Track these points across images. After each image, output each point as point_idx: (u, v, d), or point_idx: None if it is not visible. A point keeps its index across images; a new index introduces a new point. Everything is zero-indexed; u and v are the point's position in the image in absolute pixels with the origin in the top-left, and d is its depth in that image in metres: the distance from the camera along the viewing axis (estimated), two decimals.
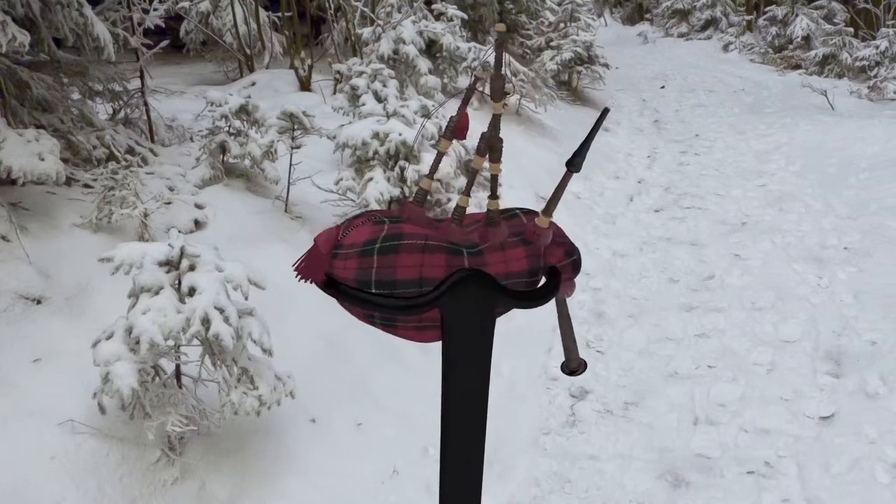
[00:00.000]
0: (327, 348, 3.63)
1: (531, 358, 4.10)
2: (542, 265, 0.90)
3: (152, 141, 5.12)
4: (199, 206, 4.27)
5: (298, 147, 4.66)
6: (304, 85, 8.11)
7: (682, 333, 4.39)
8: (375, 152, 4.62)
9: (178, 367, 2.81)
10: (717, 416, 3.58)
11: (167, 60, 8.86)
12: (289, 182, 4.64)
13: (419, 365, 3.67)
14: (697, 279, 5.14)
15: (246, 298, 2.72)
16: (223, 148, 4.64)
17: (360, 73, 5.21)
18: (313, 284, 0.88)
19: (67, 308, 3.27)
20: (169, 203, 4.11)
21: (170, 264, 2.67)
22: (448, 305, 0.86)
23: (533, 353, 4.15)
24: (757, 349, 4.14)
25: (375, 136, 4.63)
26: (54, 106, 4.14)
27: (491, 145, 0.87)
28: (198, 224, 4.18)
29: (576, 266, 0.94)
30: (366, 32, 7.00)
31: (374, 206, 4.36)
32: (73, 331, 3.10)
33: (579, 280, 0.98)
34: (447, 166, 4.67)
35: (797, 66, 14.11)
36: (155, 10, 5.21)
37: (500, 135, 0.87)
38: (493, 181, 0.90)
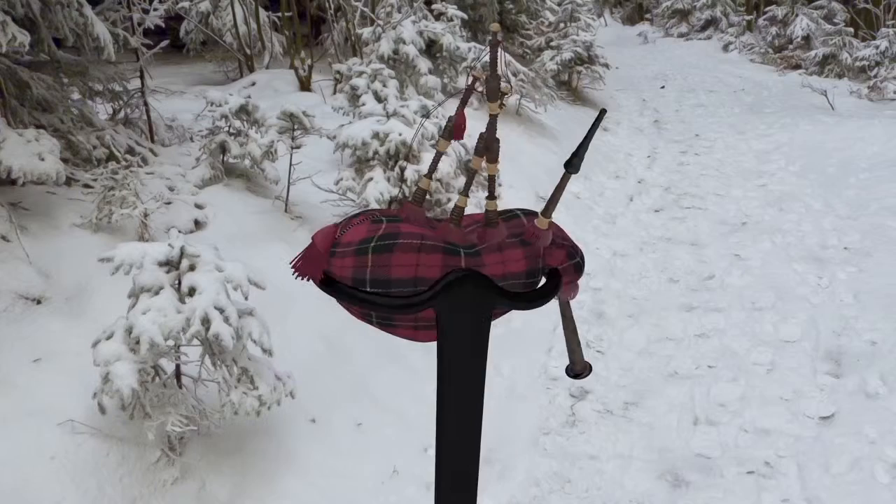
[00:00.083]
0: (327, 348, 3.63)
1: (531, 358, 4.10)
2: (540, 267, 0.90)
3: (152, 141, 5.12)
4: (199, 206, 4.27)
5: (298, 147, 4.66)
6: (304, 85, 8.11)
7: (682, 333, 4.39)
8: (375, 152, 4.62)
9: (178, 367, 2.81)
10: (717, 416, 3.58)
11: (167, 60, 8.86)
12: (289, 182, 4.64)
13: (419, 365, 3.67)
14: (697, 279, 5.14)
15: (246, 298, 2.72)
16: (223, 148, 4.64)
17: (360, 73, 5.21)
18: (311, 283, 0.88)
19: (67, 308, 3.27)
20: (169, 203, 4.12)
21: (170, 264, 2.67)
22: (443, 305, 0.86)
23: (533, 353, 4.15)
24: (757, 349, 4.14)
25: (375, 136, 4.63)
26: (54, 106, 4.14)
27: (487, 146, 0.87)
28: (198, 224, 4.18)
29: (578, 268, 0.94)
30: (366, 32, 7.00)
31: (374, 206, 4.36)
32: (73, 331, 3.10)
33: (579, 280, 0.97)
34: (447, 166, 4.67)
35: (797, 66, 14.11)
36: (155, 10, 5.21)
37: (500, 135, 0.87)
38: (491, 182, 0.90)
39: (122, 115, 4.99)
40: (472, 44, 7.94)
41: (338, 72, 7.36)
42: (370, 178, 4.58)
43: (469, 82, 0.87)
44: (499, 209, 0.92)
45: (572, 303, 1.02)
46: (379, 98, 5.01)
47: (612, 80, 12.23)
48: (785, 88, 12.38)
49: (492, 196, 0.89)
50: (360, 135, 4.63)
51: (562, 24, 11.10)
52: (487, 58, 0.84)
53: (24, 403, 2.76)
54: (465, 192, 0.90)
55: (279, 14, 9.73)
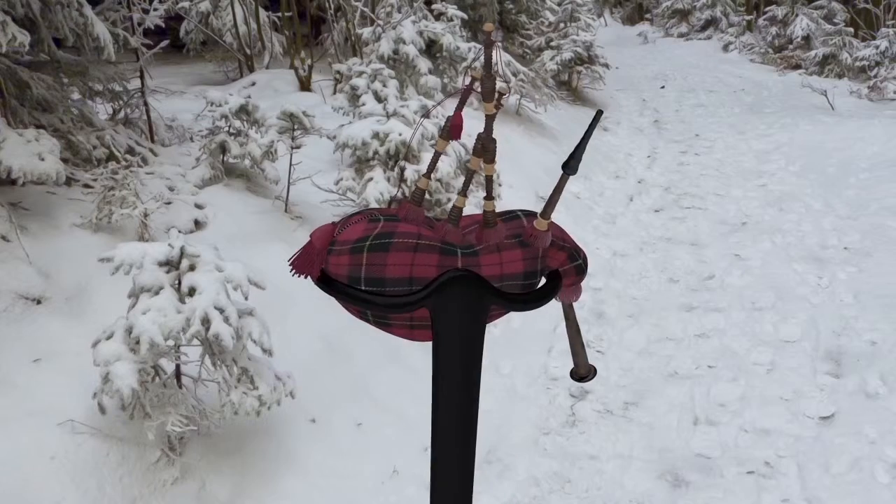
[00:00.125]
0: (327, 348, 3.63)
1: (531, 358, 4.11)
2: (539, 268, 0.89)
3: (152, 141, 5.12)
4: (199, 206, 4.27)
5: (298, 147, 4.66)
6: (304, 85, 8.11)
7: (682, 333, 4.39)
8: (375, 152, 4.62)
9: (178, 367, 2.81)
10: (717, 416, 3.58)
11: (167, 60, 8.86)
12: (289, 182, 4.64)
13: (419, 365, 3.67)
14: (697, 279, 5.14)
15: (246, 298, 2.72)
16: (223, 148, 4.64)
17: (360, 73, 5.21)
18: (310, 283, 0.89)
19: (67, 308, 3.27)
20: (169, 203, 4.12)
21: (170, 264, 2.67)
22: (437, 305, 0.86)
23: (533, 353, 4.15)
24: (757, 349, 4.14)
25: (375, 136, 4.63)
26: (54, 106, 4.14)
27: (484, 146, 0.87)
28: (198, 224, 4.18)
29: (580, 271, 0.93)
30: (366, 32, 7.00)
31: (374, 206, 4.36)
32: (73, 331, 3.10)
33: (582, 283, 0.97)
34: (447, 166, 4.67)
35: (797, 66, 14.11)
36: (155, 10, 5.21)
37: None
38: (488, 182, 0.90)
39: (122, 115, 4.99)
40: (472, 44, 7.94)
41: (338, 72, 7.36)
42: (370, 178, 4.58)
43: (469, 82, 0.87)
44: (499, 210, 0.92)
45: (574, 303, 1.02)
46: (379, 98, 5.01)
47: (612, 80, 12.23)
48: (785, 88, 12.38)
49: (490, 196, 0.89)
50: (360, 135, 4.63)
51: (562, 24, 11.10)
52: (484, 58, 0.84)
53: (24, 403, 2.76)
54: (463, 192, 0.90)
55: (279, 14, 9.73)
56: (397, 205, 0.92)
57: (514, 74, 7.90)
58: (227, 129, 4.66)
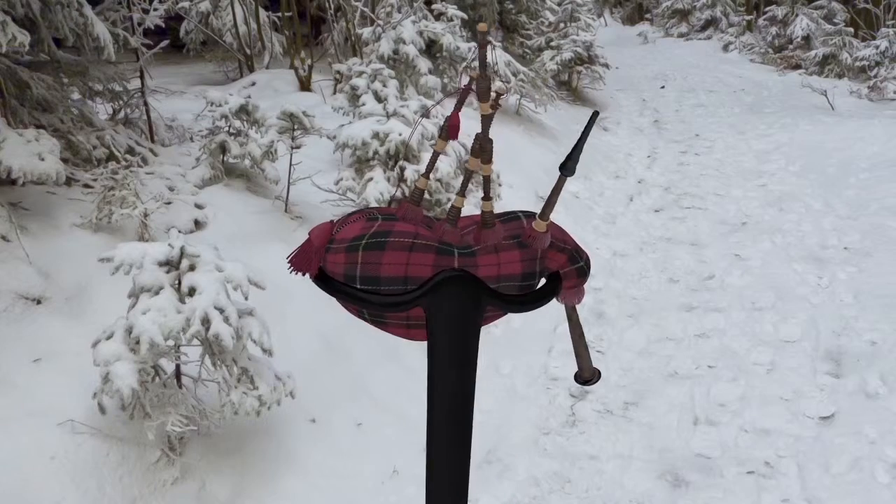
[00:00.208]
0: (327, 348, 3.63)
1: (531, 358, 4.11)
2: (537, 270, 0.89)
3: (152, 141, 5.12)
4: (199, 206, 4.27)
5: (298, 147, 4.66)
6: (304, 85, 8.11)
7: (682, 333, 4.39)
8: (375, 152, 4.62)
9: (178, 367, 2.81)
10: (717, 416, 3.58)
11: (167, 60, 8.86)
12: (289, 182, 4.63)
13: (418, 364, 3.67)
14: (697, 279, 5.14)
15: (246, 298, 2.72)
16: (223, 148, 4.64)
17: (360, 73, 5.21)
18: (309, 282, 0.89)
19: (67, 308, 3.27)
20: (169, 203, 4.12)
21: (170, 264, 2.67)
22: (431, 305, 0.86)
23: (533, 353, 4.15)
24: (757, 349, 4.14)
25: (375, 136, 4.63)
26: (54, 106, 4.14)
27: (481, 147, 0.86)
28: (198, 224, 4.18)
29: (581, 273, 0.92)
30: (366, 32, 7.00)
31: (374, 206, 4.36)
32: (73, 331, 3.10)
33: (584, 285, 0.96)
34: (447, 166, 4.67)
35: (797, 66, 14.11)
36: (155, 10, 5.21)
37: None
38: (486, 182, 0.89)
39: (122, 115, 4.99)
40: (472, 44, 7.94)
41: (338, 72, 7.36)
42: (370, 178, 4.58)
43: (468, 82, 0.87)
44: (500, 210, 0.92)
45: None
46: (379, 98, 5.01)
47: (612, 80, 12.23)
48: (785, 88, 12.38)
49: (487, 197, 0.89)
50: (360, 135, 4.63)
51: (562, 24, 11.10)
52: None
53: (24, 403, 2.76)
54: (461, 192, 0.90)
55: (279, 14, 9.72)
56: (397, 204, 0.92)
57: (514, 74, 7.90)
58: (227, 129, 4.66)
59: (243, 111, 4.62)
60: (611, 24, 24.93)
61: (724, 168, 7.99)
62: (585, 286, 0.96)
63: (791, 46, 15.04)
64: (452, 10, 8.32)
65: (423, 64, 6.65)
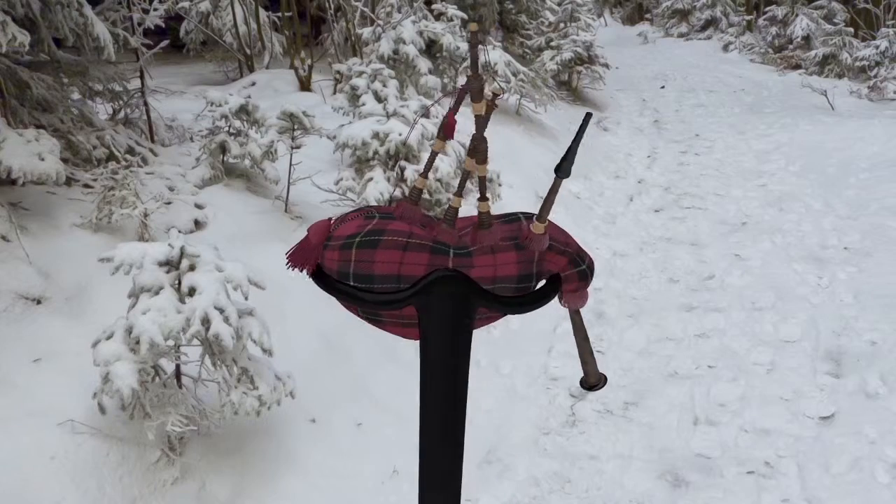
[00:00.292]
0: (327, 348, 3.63)
1: (531, 358, 4.11)
2: (534, 272, 0.88)
3: (152, 141, 5.12)
4: (199, 206, 4.27)
5: (298, 147, 4.66)
6: (304, 85, 8.11)
7: (682, 333, 4.39)
8: (375, 152, 4.62)
9: (178, 367, 2.81)
10: (717, 416, 3.58)
11: (167, 60, 8.86)
12: (289, 182, 4.64)
13: (417, 364, 3.66)
14: (697, 279, 5.14)
15: (246, 298, 2.72)
16: (223, 148, 4.64)
17: (360, 73, 5.21)
18: (309, 282, 0.89)
19: (67, 308, 3.27)
20: (169, 203, 4.12)
21: (170, 264, 2.67)
22: (423, 304, 0.86)
23: (533, 353, 4.15)
24: (757, 349, 4.14)
25: (375, 136, 4.63)
26: (54, 106, 4.14)
27: (475, 147, 0.86)
28: (198, 224, 4.18)
29: (582, 276, 0.91)
30: (366, 32, 7.01)
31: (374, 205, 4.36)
32: (73, 331, 3.10)
33: (588, 289, 0.95)
34: (447, 166, 4.67)
35: (797, 66, 14.11)
36: (155, 10, 5.21)
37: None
38: (481, 183, 0.89)
39: (122, 115, 4.99)
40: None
41: (338, 72, 7.36)
42: (370, 178, 4.58)
43: (465, 83, 0.86)
44: (501, 211, 0.92)
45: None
46: (379, 98, 5.01)
47: (612, 80, 12.23)
48: (785, 88, 12.38)
49: (483, 197, 0.89)
50: (360, 135, 4.63)
51: (562, 24, 11.10)
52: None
53: (24, 403, 2.76)
54: (458, 192, 0.90)
55: (279, 14, 9.73)
56: (396, 204, 0.92)
57: (514, 74, 7.90)
58: (227, 129, 4.66)
59: (243, 111, 4.62)
60: (611, 24, 24.93)
61: (724, 168, 7.98)
62: (589, 290, 0.95)
63: (791, 46, 15.04)
64: (452, 10, 8.32)
65: (423, 64, 6.65)
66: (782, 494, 3.04)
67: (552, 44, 10.76)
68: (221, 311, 2.59)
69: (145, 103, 5.09)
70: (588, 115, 0.85)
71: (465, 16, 8.57)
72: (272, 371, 2.83)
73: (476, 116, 0.84)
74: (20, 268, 3.31)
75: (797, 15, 15.35)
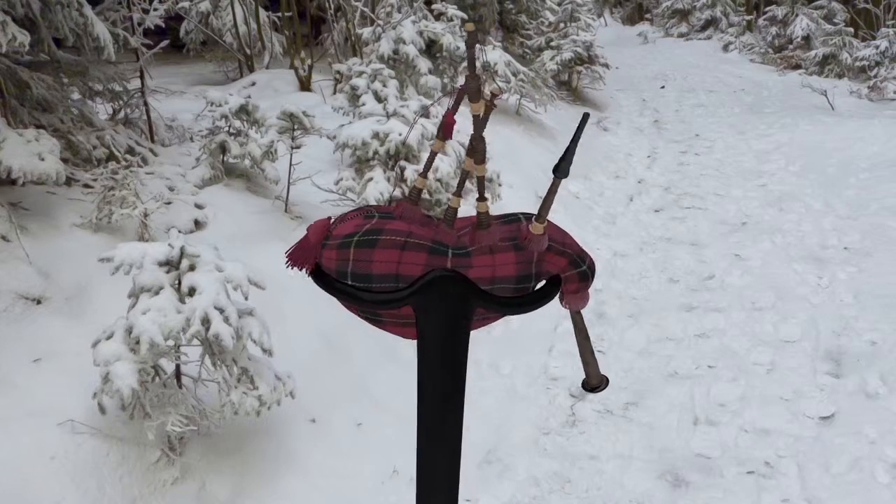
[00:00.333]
0: (327, 348, 3.63)
1: (531, 358, 4.10)
2: (533, 272, 0.88)
3: (152, 141, 5.12)
4: (199, 206, 4.27)
5: (298, 147, 4.66)
6: (304, 85, 8.11)
7: (682, 333, 4.39)
8: (375, 152, 4.62)
9: (178, 367, 2.81)
10: (717, 416, 3.58)
11: (167, 60, 8.85)
12: (289, 182, 4.64)
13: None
14: (697, 279, 5.14)
15: (246, 298, 2.72)
16: (223, 148, 4.64)
17: (360, 73, 5.21)
18: (309, 281, 0.89)
19: (67, 308, 3.27)
20: (169, 203, 4.12)
21: (170, 264, 2.67)
22: (421, 304, 0.86)
23: (533, 353, 4.15)
24: (757, 349, 4.14)
25: (375, 136, 4.63)
26: (54, 106, 4.14)
27: (473, 147, 0.86)
28: (198, 224, 4.18)
29: (583, 277, 0.91)
30: (366, 32, 7.00)
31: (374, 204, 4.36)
32: (73, 331, 3.10)
33: (589, 290, 0.94)
34: (447, 166, 4.67)
35: (797, 66, 14.11)
36: (155, 10, 5.21)
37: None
38: (480, 183, 0.89)
39: (122, 115, 4.99)
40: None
41: (338, 72, 7.36)
42: (370, 178, 4.58)
43: (463, 83, 0.86)
44: (501, 212, 0.91)
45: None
46: (379, 98, 5.01)
47: (612, 80, 12.23)
48: (785, 88, 12.38)
49: (482, 198, 0.89)
50: (360, 135, 4.63)
51: (562, 24, 11.10)
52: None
53: (24, 403, 2.76)
54: (457, 192, 0.90)
55: (279, 14, 9.72)
56: (396, 204, 0.92)
57: (514, 74, 7.90)
58: (227, 129, 4.66)
59: (243, 111, 4.62)
60: (611, 24, 24.93)
61: (724, 168, 7.98)
62: (590, 291, 0.94)
63: (791, 46, 15.04)
64: (452, 10, 8.32)
65: (423, 64, 6.65)
66: (782, 494, 3.04)
67: (552, 44, 10.76)
68: (221, 311, 2.59)
69: (145, 103, 5.09)
70: (585, 116, 0.84)
71: (465, 16, 8.57)
72: (272, 371, 2.83)
73: (474, 116, 0.84)
74: (20, 268, 3.31)
75: (797, 15, 15.35)
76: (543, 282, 0.90)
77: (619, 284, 5.10)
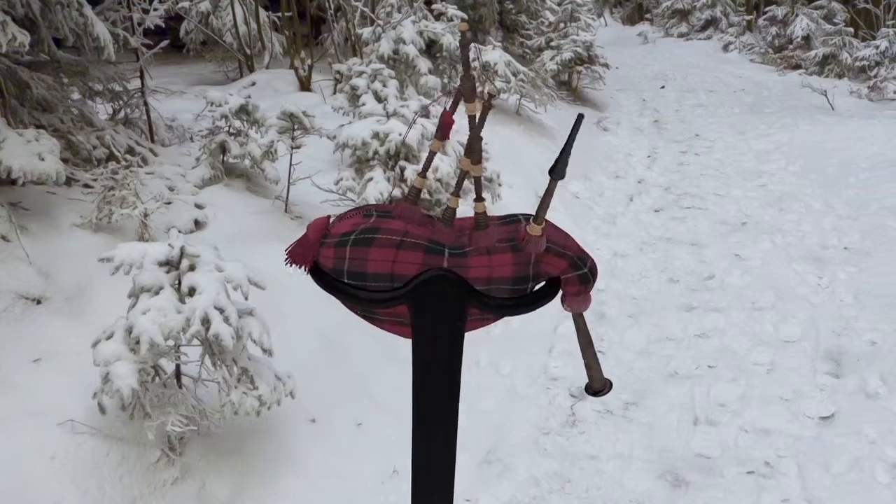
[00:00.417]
0: (327, 348, 3.63)
1: (531, 358, 4.10)
2: (531, 274, 0.87)
3: (152, 141, 5.12)
4: (199, 206, 4.27)
5: (298, 147, 4.66)
6: (304, 85, 8.11)
7: (682, 333, 4.39)
8: (375, 152, 4.62)
9: (178, 367, 2.81)
10: (717, 416, 3.58)
11: (167, 60, 8.85)
12: (289, 182, 4.64)
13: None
14: (697, 279, 5.14)
15: (246, 298, 2.72)
16: (223, 148, 4.64)
17: (360, 73, 5.21)
18: (308, 280, 0.89)
19: (67, 308, 3.27)
20: (169, 203, 4.12)
21: (170, 264, 2.67)
22: (415, 303, 0.86)
23: (533, 353, 4.15)
24: (757, 349, 4.14)
25: (375, 136, 4.63)
26: (54, 106, 4.14)
27: (470, 147, 0.86)
28: (198, 224, 4.18)
29: (584, 280, 0.90)
30: (366, 32, 7.00)
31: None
32: (73, 331, 3.10)
33: (591, 292, 0.93)
34: (447, 166, 4.67)
35: (797, 66, 14.11)
36: (155, 10, 5.21)
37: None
38: (477, 183, 0.89)
39: (122, 115, 4.99)
40: (473, 44, 7.94)
41: (338, 72, 7.37)
42: (370, 178, 4.58)
43: (459, 83, 0.86)
44: (501, 212, 0.91)
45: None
46: (379, 98, 5.01)
47: (612, 80, 12.23)
48: (785, 88, 12.38)
49: (479, 198, 0.88)
50: (360, 135, 4.63)
51: (562, 24, 11.10)
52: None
53: (24, 403, 2.76)
54: (455, 192, 0.90)
55: (279, 14, 9.72)
56: (395, 203, 0.92)
57: (514, 74, 7.90)
58: (227, 129, 4.66)
59: (243, 111, 4.62)
60: (611, 24, 24.93)
61: (724, 168, 7.98)
62: (592, 293, 0.93)
63: (791, 46, 15.03)
64: (452, 10, 8.32)
65: (423, 64, 6.65)
66: (782, 494, 3.04)
67: (552, 44, 10.76)
68: (221, 311, 2.59)
69: (145, 103, 5.09)
70: (580, 117, 0.84)
71: (465, 16, 8.57)
72: (272, 371, 2.83)
73: (470, 117, 0.84)
74: (20, 268, 3.31)
75: (797, 15, 15.35)
76: (543, 283, 0.90)
77: (619, 284, 5.10)
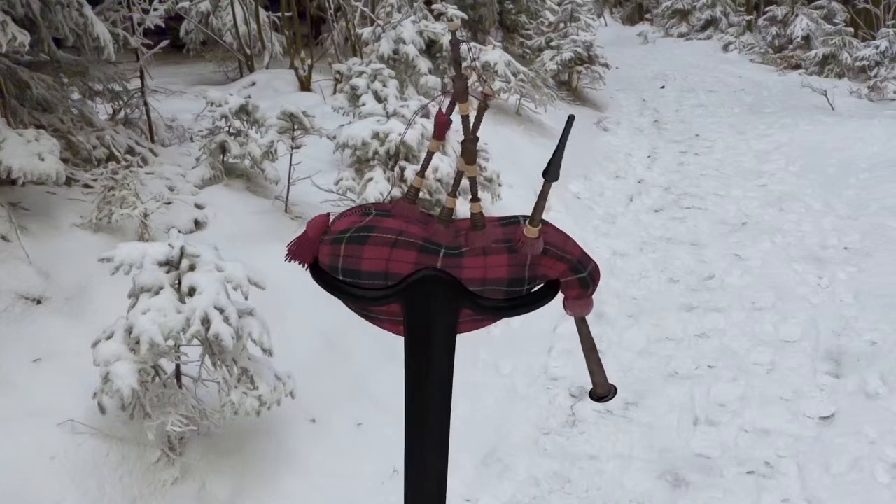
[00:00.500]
0: (327, 348, 3.63)
1: (531, 358, 4.10)
2: (526, 276, 0.87)
3: (152, 141, 5.12)
4: (199, 206, 4.27)
5: (298, 147, 4.66)
6: (304, 85, 8.11)
7: (682, 333, 4.39)
8: (375, 152, 4.62)
9: (178, 367, 2.81)
10: (717, 416, 3.58)
11: (167, 60, 8.85)
12: (289, 182, 4.64)
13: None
14: (697, 279, 5.14)
15: (246, 298, 2.72)
16: (223, 148, 4.64)
17: (360, 73, 5.21)
18: (308, 279, 0.90)
19: (67, 308, 3.27)
20: (169, 203, 4.12)
21: (170, 264, 2.67)
22: (407, 302, 0.86)
23: (533, 353, 4.14)
24: (757, 349, 4.14)
25: (375, 136, 4.63)
26: (54, 106, 4.14)
27: (464, 147, 0.86)
28: (198, 224, 4.18)
29: (584, 283, 0.89)
30: (366, 32, 7.00)
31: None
32: (73, 331, 3.10)
33: (593, 296, 0.91)
34: (446, 166, 4.67)
35: (797, 66, 14.11)
36: (155, 10, 5.21)
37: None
38: (472, 184, 0.88)
39: (122, 115, 4.99)
40: (473, 44, 7.95)
41: (338, 72, 7.37)
42: (370, 178, 4.58)
43: (455, 84, 0.86)
44: (501, 211, 0.91)
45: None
46: (379, 98, 5.01)
47: (612, 80, 12.22)
48: (785, 88, 12.38)
49: (475, 198, 0.88)
50: (360, 135, 4.63)
51: (562, 24, 11.10)
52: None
53: (24, 403, 2.76)
54: (452, 192, 0.90)
55: (279, 14, 9.72)
56: (394, 203, 0.92)
57: (514, 74, 7.90)
58: (227, 129, 4.66)
59: (243, 111, 4.62)
60: (611, 24, 24.93)
61: (724, 168, 7.98)
62: (594, 297, 0.92)
63: (791, 46, 15.03)
64: (452, 10, 8.32)
65: (423, 64, 6.65)
66: (782, 494, 3.04)
67: (552, 44, 10.76)
68: (221, 311, 2.59)
69: (145, 103, 5.09)
70: (570, 118, 0.83)
71: (465, 16, 8.57)
72: (272, 371, 2.83)
73: (463, 117, 0.84)
74: (20, 268, 3.31)
75: (797, 15, 15.35)
76: (541, 285, 0.89)
77: (618, 284, 5.10)
